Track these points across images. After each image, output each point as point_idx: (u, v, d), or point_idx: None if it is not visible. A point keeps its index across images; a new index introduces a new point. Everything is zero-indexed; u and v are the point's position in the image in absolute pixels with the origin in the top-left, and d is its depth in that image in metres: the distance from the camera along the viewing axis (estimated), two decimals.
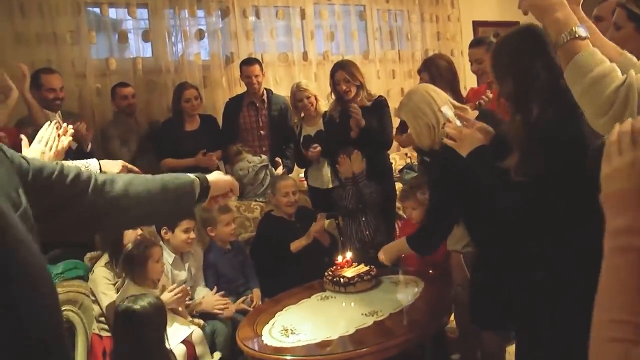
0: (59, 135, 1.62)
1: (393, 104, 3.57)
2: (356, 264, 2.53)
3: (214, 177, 1.25)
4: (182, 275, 2.68)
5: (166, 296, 2.29)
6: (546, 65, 1.46)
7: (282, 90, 4.01)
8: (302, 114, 3.49)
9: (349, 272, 2.43)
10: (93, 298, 2.36)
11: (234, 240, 2.96)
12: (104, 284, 2.39)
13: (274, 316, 2.24)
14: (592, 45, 1.25)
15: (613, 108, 1.16)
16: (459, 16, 5.47)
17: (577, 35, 1.23)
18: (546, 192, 1.40)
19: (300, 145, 3.47)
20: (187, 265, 2.72)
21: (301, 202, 3.21)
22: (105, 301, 2.32)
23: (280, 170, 3.57)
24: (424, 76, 2.97)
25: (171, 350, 2.08)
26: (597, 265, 0.71)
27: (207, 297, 2.63)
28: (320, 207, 3.34)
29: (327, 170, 3.44)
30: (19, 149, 1.58)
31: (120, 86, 3.50)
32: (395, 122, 3.29)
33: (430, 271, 2.54)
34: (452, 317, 2.42)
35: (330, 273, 2.46)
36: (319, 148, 3.35)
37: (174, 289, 2.36)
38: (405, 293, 2.31)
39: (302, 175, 3.76)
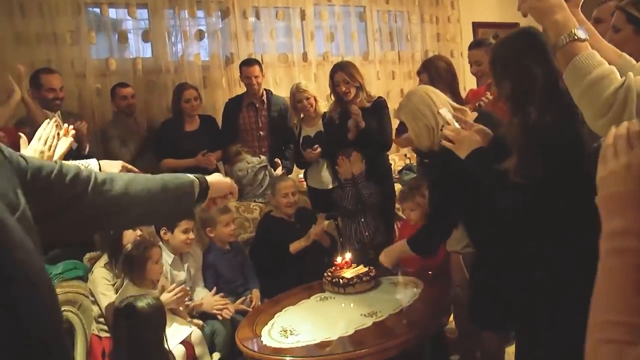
0: (58, 134, 1.62)
1: (393, 105, 3.58)
2: (355, 264, 2.53)
3: (214, 178, 1.24)
4: (181, 275, 2.68)
5: (165, 297, 2.29)
6: (544, 68, 1.46)
7: (282, 91, 4.01)
8: (302, 115, 3.50)
9: (348, 273, 2.43)
10: (92, 299, 2.36)
11: (233, 241, 2.96)
12: (103, 285, 2.39)
13: (273, 317, 2.24)
14: (591, 48, 1.25)
15: (612, 110, 1.17)
16: (458, 17, 5.47)
17: (576, 37, 1.24)
18: (545, 194, 1.41)
19: (299, 146, 3.48)
20: (186, 265, 2.72)
21: (301, 203, 3.21)
22: (104, 302, 2.32)
23: (279, 171, 3.57)
24: (424, 77, 2.98)
25: (170, 351, 2.08)
26: (597, 266, 0.72)
27: (206, 297, 2.63)
28: (320, 207, 3.35)
29: (326, 171, 3.44)
30: (18, 148, 1.58)
31: (119, 86, 3.50)
32: (395, 123, 3.29)
33: (429, 272, 2.54)
34: (451, 318, 2.42)
35: (330, 274, 2.46)
36: (319, 149, 3.36)
37: (174, 289, 2.36)
38: (404, 294, 2.31)
39: (301, 176, 3.76)
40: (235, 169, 3.52)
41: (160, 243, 2.63)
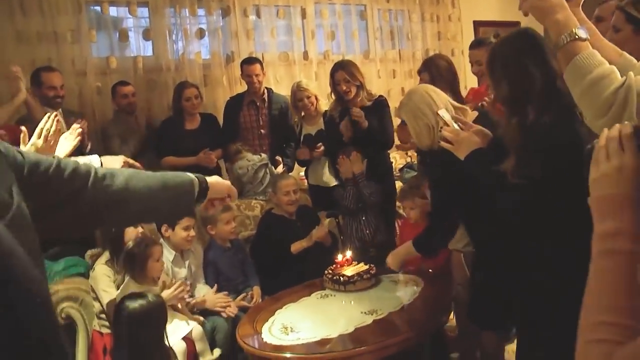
0: (59, 130, 1.62)
1: (393, 103, 3.58)
2: (356, 262, 2.54)
3: (213, 179, 1.24)
4: (182, 272, 2.69)
5: (166, 293, 2.30)
6: (542, 69, 1.46)
7: (283, 90, 4.01)
8: (303, 114, 3.50)
9: (349, 271, 2.44)
10: (94, 295, 2.37)
11: (234, 239, 2.97)
12: (105, 282, 2.39)
13: (273, 314, 2.24)
14: (592, 47, 1.26)
15: (612, 110, 1.17)
16: (459, 16, 5.47)
17: (577, 37, 1.24)
18: (545, 194, 1.41)
19: (300, 144, 3.48)
20: (187, 262, 2.73)
21: (302, 201, 3.21)
22: (106, 298, 2.33)
23: (280, 168, 3.58)
24: (424, 76, 2.98)
25: (171, 347, 2.09)
26: None
27: (209, 295, 2.64)
28: (321, 205, 3.36)
29: (327, 169, 3.45)
30: (19, 146, 1.59)
31: (120, 85, 3.50)
32: (396, 122, 3.30)
33: (430, 270, 2.55)
34: (451, 316, 2.43)
35: (330, 271, 2.47)
36: (322, 148, 3.36)
37: (175, 285, 2.37)
38: (404, 292, 2.32)
39: (302, 173, 3.77)
40: (235, 167, 3.52)
41: (162, 240, 2.63)
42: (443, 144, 1.73)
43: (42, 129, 1.64)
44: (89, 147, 3.07)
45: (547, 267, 1.48)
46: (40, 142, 1.61)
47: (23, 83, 2.81)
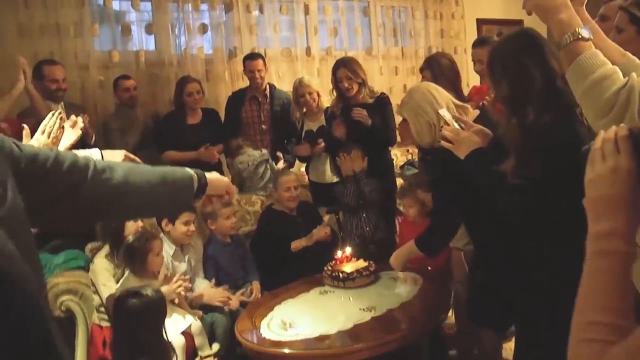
0: (62, 127, 1.62)
1: (395, 100, 3.57)
2: (355, 259, 2.54)
3: (212, 176, 1.24)
4: (182, 267, 2.69)
5: (166, 289, 2.31)
6: (542, 69, 1.46)
7: (285, 85, 4.01)
8: (304, 110, 3.50)
9: (348, 268, 2.44)
10: (94, 289, 2.37)
11: (234, 234, 2.97)
12: (104, 276, 2.40)
13: (272, 309, 2.25)
14: (595, 47, 1.25)
15: (614, 110, 1.17)
16: (462, 14, 5.45)
17: (580, 37, 1.24)
18: (545, 194, 1.41)
19: (302, 141, 3.48)
20: (187, 257, 2.74)
21: (302, 197, 3.21)
22: (105, 293, 2.34)
23: (281, 164, 3.58)
24: (426, 74, 2.98)
25: (170, 342, 2.10)
26: None
27: (206, 289, 2.64)
28: (321, 201, 3.36)
29: (328, 166, 3.45)
30: (20, 140, 1.59)
31: (122, 78, 3.51)
32: (398, 119, 3.30)
33: (429, 268, 2.55)
34: (450, 313, 2.43)
35: (330, 268, 2.47)
36: (323, 144, 3.36)
37: (175, 278, 2.37)
38: (404, 289, 2.32)
39: (303, 169, 3.77)
40: (236, 161, 3.53)
41: (162, 234, 2.64)
42: (443, 143, 1.73)
43: (45, 126, 1.64)
44: (93, 139, 3.07)
45: (547, 267, 1.48)
46: (43, 138, 1.61)
47: (28, 74, 2.81)
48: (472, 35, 5.20)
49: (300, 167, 3.84)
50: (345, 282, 2.37)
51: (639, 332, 0.62)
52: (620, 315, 0.66)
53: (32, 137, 1.65)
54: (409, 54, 5.14)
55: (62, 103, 3.18)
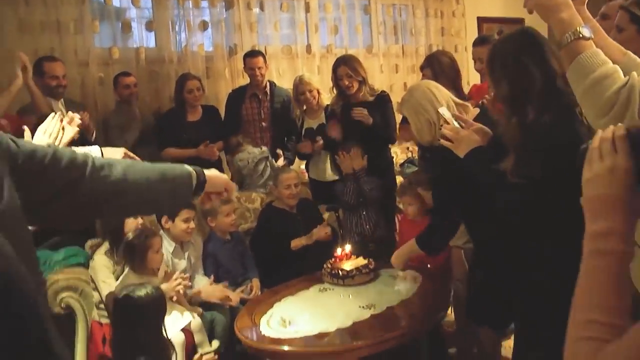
0: (63, 128, 1.62)
1: (396, 98, 3.57)
2: (355, 257, 2.54)
3: (211, 173, 1.23)
4: (182, 264, 2.69)
5: (166, 286, 2.31)
6: (542, 68, 1.45)
7: (285, 83, 4.01)
8: (304, 107, 3.50)
9: (348, 265, 2.44)
10: (93, 285, 2.37)
11: (234, 231, 2.97)
12: (104, 273, 2.40)
13: (272, 307, 2.25)
14: (596, 46, 1.25)
15: (614, 109, 1.17)
16: (463, 12, 5.44)
17: (581, 36, 1.24)
18: (545, 193, 1.41)
19: (302, 138, 3.48)
20: (186, 254, 2.74)
21: (302, 194, 3.22)
22: (105, 290, 2.34)
23: (281, 162, 3.58)
24: (427, 72, 2.98)
25: (169, 339, 2.10)
26: None
27: (205, 286, 2.64)
28: (321, 199, 3.37)
29: (327, 164, 3.45)
30: (21, 137, 1.59)
31: (122, 75, 3.50)
32: (398, 117, 3.30)
33: (429, 266, 2.55)
34: (450, 311, 2.44)
35: (329, 265, 2.47)
36: (321, 141, 3.36)
37: (175, 275, 2.37)
38: (403, 287, 2.32)
39: (303, 167, 3.78)
40: (236, 159, 3.53)
41: (161, 231, 2.64)
42: (443, 141, 1.73)
43: (47, 127, 1.64)
44: (94, 136, 3.07)
45: (547, 267, 1.48)
46: (44, 139, 1.61)
47: (29, 70, 2.81)
48: (473, 33, 5.19)
49: (300, 165, 3.84)
50: (345, 279, 2.37)
51: (634, 331, 0.62)
52: (617, 315, 0.66)
53: (32, 136, 1.65)
54: (409, 52, 5.13)
55: (62, 100, 3.18)
